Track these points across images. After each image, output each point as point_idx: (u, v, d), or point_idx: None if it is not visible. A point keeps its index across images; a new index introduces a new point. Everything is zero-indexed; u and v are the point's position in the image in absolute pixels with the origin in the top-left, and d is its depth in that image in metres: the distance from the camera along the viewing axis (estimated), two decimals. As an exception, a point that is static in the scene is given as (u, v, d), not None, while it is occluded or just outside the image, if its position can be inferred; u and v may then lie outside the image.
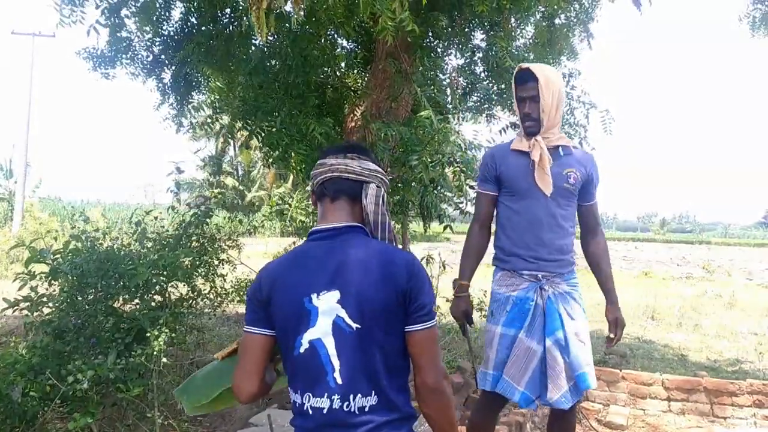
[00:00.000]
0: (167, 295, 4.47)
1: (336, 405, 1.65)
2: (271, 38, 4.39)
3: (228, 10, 4.99)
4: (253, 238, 24.91)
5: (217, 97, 4.06)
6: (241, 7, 4.71)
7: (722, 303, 13.49)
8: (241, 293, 5.78)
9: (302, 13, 3.70)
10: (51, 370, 3.44)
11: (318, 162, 1.89)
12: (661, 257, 31.61)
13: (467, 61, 5.13)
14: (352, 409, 1.65)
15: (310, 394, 1.68)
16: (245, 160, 36.22)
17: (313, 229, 1.84)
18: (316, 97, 4.48)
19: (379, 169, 1.89)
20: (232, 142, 35.12)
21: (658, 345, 8.75)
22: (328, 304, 1.68)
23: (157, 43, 5.25)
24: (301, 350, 1.69)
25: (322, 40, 4.62)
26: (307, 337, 1.69)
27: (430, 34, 4.71)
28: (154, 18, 4.86)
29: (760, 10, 6.59)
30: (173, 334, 4.06)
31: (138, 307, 4.21)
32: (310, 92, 4.42)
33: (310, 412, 1.69)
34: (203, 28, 4.96)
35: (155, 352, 3.89)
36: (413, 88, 4.94)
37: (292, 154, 4.02)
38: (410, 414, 1.74)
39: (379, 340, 1.68)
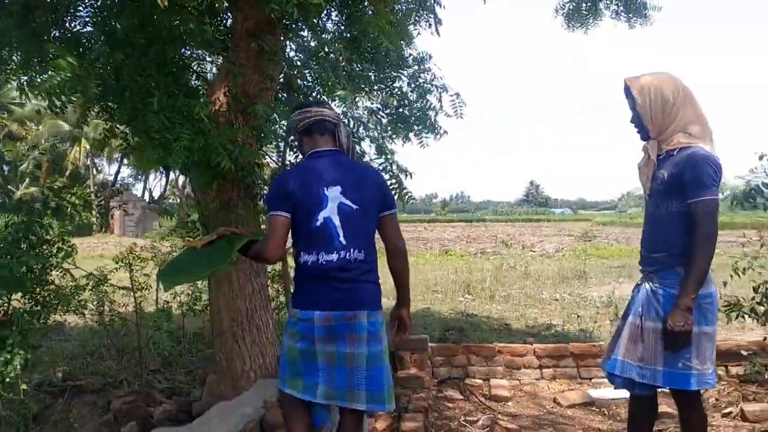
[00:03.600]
0: (9, 310, 3.75)
1: (341, 256, 2.61)
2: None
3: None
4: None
5: (67, 76, 3.37)
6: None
7: (518, 274, 14.81)
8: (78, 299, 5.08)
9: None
10: None
11: (300, 111, 2.84)
12: (450, 236, 33.96)
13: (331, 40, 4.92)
14: (350, 259, 2.63)
15: (324, 252, 2.61)
16: (12, 153, 32.01)
17: (312, 151, 2.78)
18: (188, 76, 4.00)
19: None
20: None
21: (481, 317, 9.29)
22: (334, 194, 2.64)
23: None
24: (318, 224, 2.61)
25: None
26: (322, 215, 2.62)
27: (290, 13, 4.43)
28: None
29: (574, 3, 7.11)
30: (28, 356, 3.40)
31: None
32: (181, 70, 3.94)
33: (324, 263, 2.61)
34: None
35: (8, 380, 3.26)
36: (280, 69, 4.64)
37: (174, 142, 3.49)
38: (376, 264, 2.75)
39: (367, 218, 2.70)
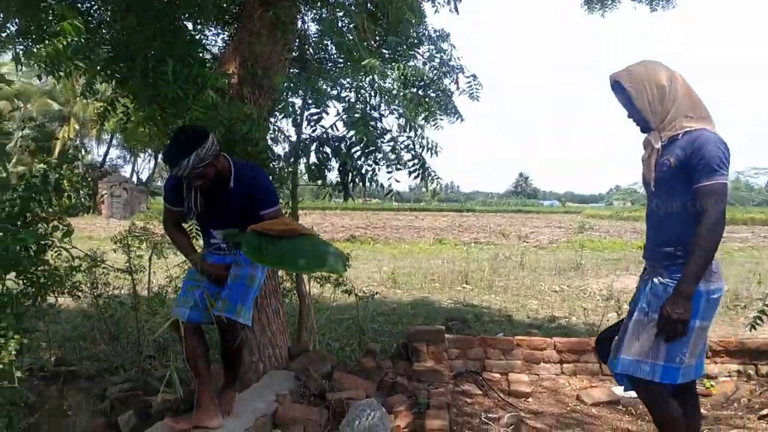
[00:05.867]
0: (3, 290, 3.47)
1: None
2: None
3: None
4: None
5: (73, 40, 3.05)
6: None
7: (514, 264, 14.66)
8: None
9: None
10: None
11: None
12: (441, 225, 33.82)
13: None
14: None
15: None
16: (-1, 130, 31.34)
17: None
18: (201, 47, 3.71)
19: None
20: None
21: (482, 308, 9.12)
22: None
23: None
24: None
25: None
26: None
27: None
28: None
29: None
30: (25, 340, 3.14)
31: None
32: (195, 39, 3.64)
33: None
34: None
35: (1, 366, 3.00)
36: (290, 39, 4.38)
37: (185, 111, 3.21)
38: None
39: None
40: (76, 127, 35.78)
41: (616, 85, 2.78)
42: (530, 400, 4.34)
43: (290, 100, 3.45)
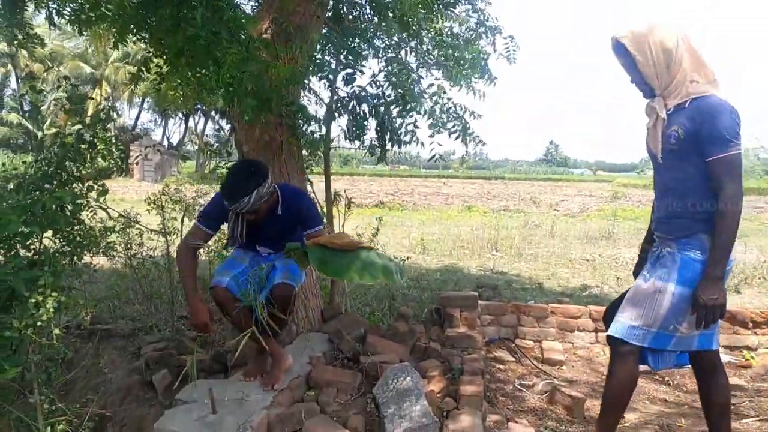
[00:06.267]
0: (41, 249, 3.50)
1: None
2: None
3: None
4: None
5: None
6: None
7: (544, 233, 14.51)
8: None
9: None
10: None
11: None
12: (469, 192, 33.56)
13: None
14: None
15: None
16: (32, 94, 31.63)
17: None
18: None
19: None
20: (14, 71, 30.45)
21: (511, 275, 9.05)
22: None
23: None
24: None
25: None
26: None
27: None
28: None
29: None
30: (63, 298, 3.15)
31: (4, 266, 3.24)
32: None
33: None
34: None
35: (39, 323, 3.03)
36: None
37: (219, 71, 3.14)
38: None
39: None
40: (108, 90, 36.05)
41: (619, 46, 2.63)
42: (564, 368, 4.30)
43: (325, 58, 3.36)
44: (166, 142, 46.37)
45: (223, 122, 45.11)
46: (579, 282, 8.71)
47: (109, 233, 4.76)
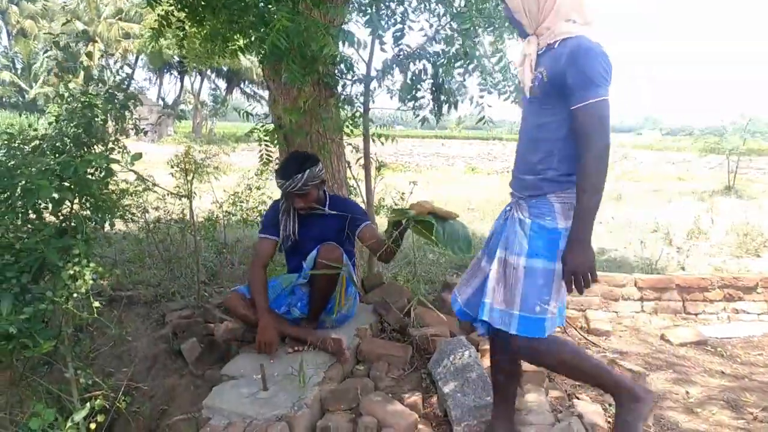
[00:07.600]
0: (71, 216, 3.29)
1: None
2: None
3: None
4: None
5: None
6: None
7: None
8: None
9: None
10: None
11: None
12: (469, 153, 33.22)
13: None
14: None
15: None
16: (23, 51, 30.86)
17: None
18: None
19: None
20: (5, 27, 29.62)
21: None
22: None
23: None
24: None
25: None
26: None
27: None
28: None
29: None
30: (100, 268, 2.96)
31: (33, 234, 3.04)
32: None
33: None
34: None
35: (76, 294, 2.85)
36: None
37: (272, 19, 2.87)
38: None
39: None
40: (102, 47, 35.24)
41: None
42: (612, 339, 4.14)
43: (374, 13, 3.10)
44: (161, 102, 45.63)
45: (219, 81, 44.32)
46: (595, 246, 8.55)
47: (125, 196, 4.55)
